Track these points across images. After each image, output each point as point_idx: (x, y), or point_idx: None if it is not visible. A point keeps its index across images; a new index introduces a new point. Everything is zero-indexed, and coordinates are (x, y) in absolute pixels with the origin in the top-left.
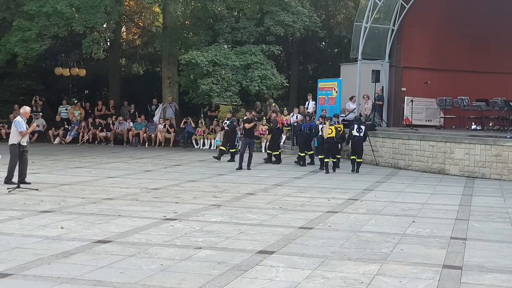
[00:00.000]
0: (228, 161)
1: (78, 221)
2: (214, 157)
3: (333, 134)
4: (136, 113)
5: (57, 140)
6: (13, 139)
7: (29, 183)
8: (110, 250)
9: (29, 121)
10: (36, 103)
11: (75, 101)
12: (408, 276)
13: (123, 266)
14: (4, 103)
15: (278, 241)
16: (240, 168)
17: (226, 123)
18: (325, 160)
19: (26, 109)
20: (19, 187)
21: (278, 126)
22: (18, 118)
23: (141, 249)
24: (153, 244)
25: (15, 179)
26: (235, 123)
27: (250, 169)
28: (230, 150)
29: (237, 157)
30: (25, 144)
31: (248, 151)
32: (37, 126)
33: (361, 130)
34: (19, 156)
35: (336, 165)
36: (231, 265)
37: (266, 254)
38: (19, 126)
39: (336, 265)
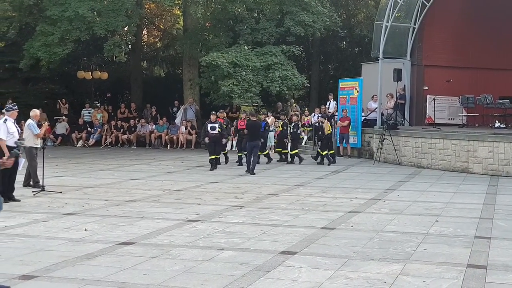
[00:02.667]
0: (210, 169)
1: (101, 223)
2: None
3: (330, 131)
4: (158, 115)
5: (80, 143)
6: (29, 142)
7: (42, 186)
8: (134, 251)
9: (53, 125)
10: (60, 106)
11: (98, 104)
12: (431, 275)
13: (147, 267)
14: (28, 107)
15: (300, 242)
16: (251, 172)
17: (214, 126)
18: (323, 153)
19: (36, 112)
20: (43, 190)
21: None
22: (30, 121)
23: (164, 250)
24: (176, 245)
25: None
26: (226, 127)
27: (254, 173)
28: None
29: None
30: (38, 146)
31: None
32: (48, 125)
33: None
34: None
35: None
36: (254, 266)
37: (288, 255)
38: (34, 129)
39: (359, 265)
